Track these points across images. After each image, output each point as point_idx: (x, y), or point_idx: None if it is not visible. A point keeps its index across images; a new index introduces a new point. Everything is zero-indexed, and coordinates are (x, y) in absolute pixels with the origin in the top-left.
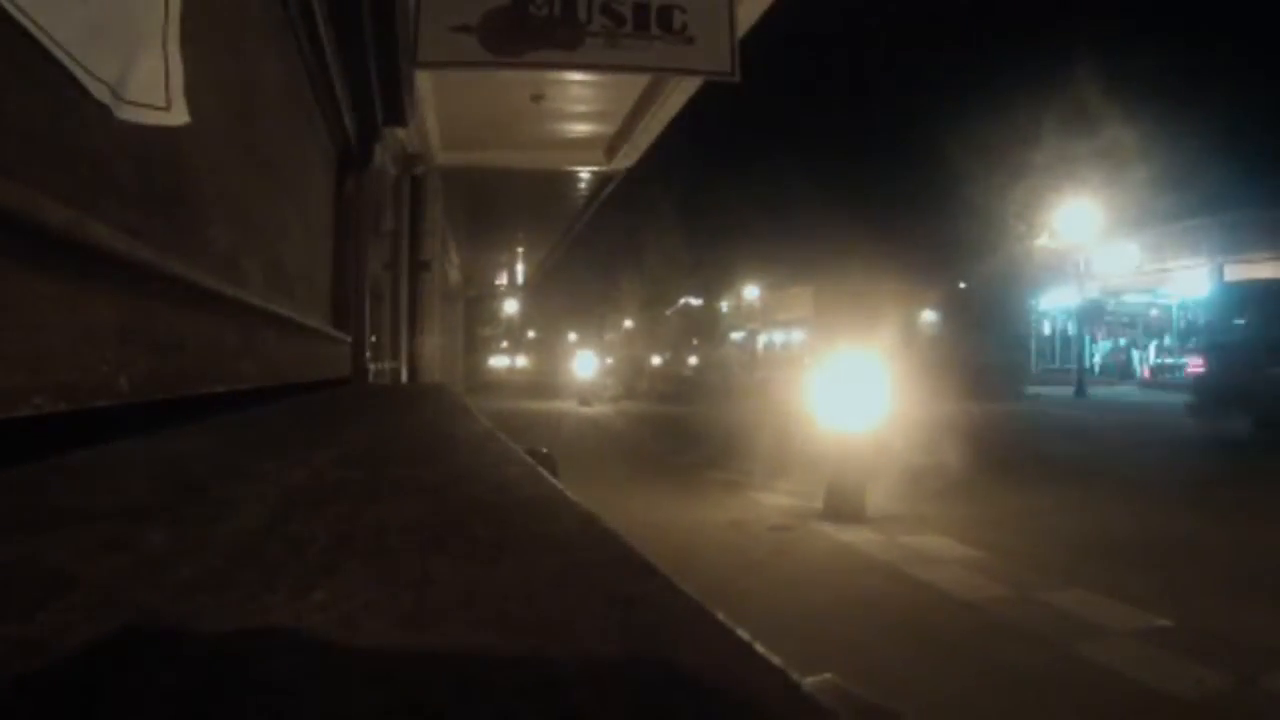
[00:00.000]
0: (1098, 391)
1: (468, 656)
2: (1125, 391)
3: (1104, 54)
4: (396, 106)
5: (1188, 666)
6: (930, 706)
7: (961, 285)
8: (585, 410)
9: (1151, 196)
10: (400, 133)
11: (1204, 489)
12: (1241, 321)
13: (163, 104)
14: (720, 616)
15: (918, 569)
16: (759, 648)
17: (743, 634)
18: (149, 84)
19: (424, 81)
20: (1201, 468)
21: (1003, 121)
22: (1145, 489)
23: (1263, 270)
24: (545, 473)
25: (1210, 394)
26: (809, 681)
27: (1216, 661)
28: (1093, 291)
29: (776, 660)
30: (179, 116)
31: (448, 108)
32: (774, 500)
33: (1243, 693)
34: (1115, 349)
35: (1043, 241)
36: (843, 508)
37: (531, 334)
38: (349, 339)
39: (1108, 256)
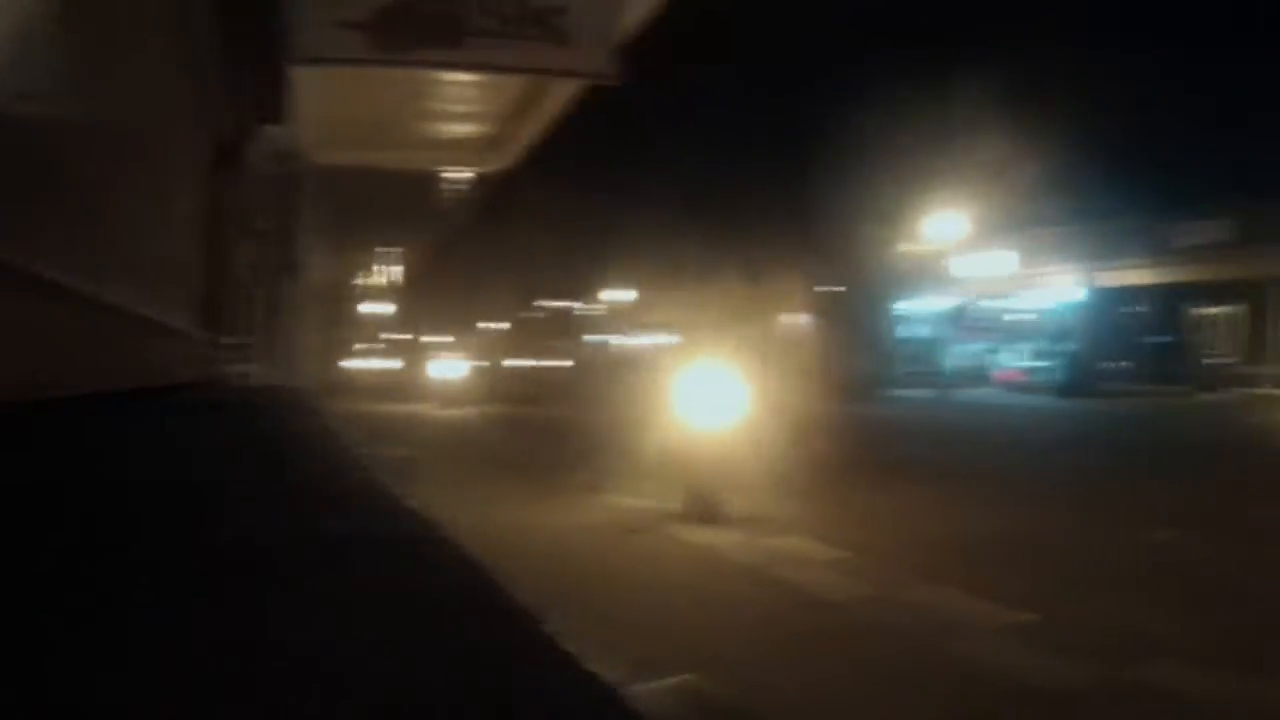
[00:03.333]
0: (961, 394)
1: (295, 678)
2: (988, 394)
3: (978, 62)
4: (274, 103)
5: (1055, 660)
6: (796, 707)
7: (828, 289)
8: (447, 413)
9: (1023, 203)
10: (277, 130)
11: (1063, 486)
12: None
13: (35, 92)
14: (548, 629)
15: (780, 570)
16: (587, 664)
17: (568, 647)
18: (20, 72)
19: (302, 79)
20: (1059, 466)
21: (875, 127)
22: (1005, 487)
23: (1128, 276)
24: (388, 478)
25: None
26: (668, 683)
27: (1083, 654)
28: (960, 296)
29: (604, 672)
30: (50, 107)
31: (325, 106)
32: (633, 503)
33: (1110, 683)
34: (979, 352)
35: (912, 246)
36: (702, 509)
37: (397, 336)
38: (216, 340)
39: (978, 261)
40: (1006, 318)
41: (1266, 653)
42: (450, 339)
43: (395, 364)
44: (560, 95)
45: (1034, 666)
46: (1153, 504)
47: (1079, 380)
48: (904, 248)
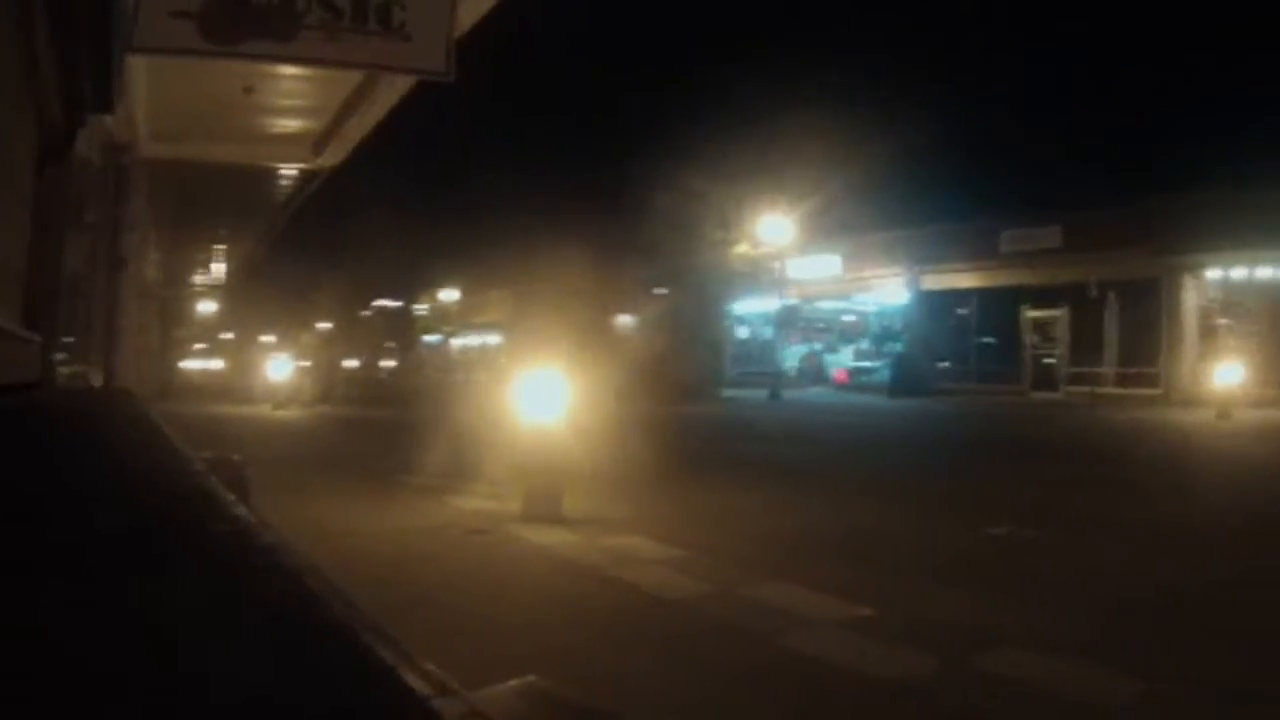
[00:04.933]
0: (792, 394)
1: (106, 679)
2: (819, 393)
3: (805, 70)
4: (105, 92)
5: (894, 651)
6: (639, 705)
7: (660, 290)
8: (279, 414)
9: (851, 208)
10: (107, 120)
11: (895, 483)
12: None
13: None
14: (365, 638)
15: (619, 569)
16: (403, 674)
17: (386, 656)
18: None
19: (135, 68)
20: (891, 463)
21: (705, 132)
22: (838, 485)
23: (956, 279)
24: (217, 483)
25: None
26: (512, 684)
27: (924, 645)
28: (790, 298)
29: (416, 683)
30: None
31: (158, 96)
32: (470, 504)
33: (952, 673)
34: (810, 353)
35: (742, 249)
36: (540, 510)
37: (228, 335)
38: (39, 339)
39: (807, 264)
40: (837, 319)
41: (1104, 639)
42: (283, 339)
43: (230, 365)
44: (392, 93)
45: (875, 659)
46: (986, 499)
47: (909, 380)
48: (736, 249)
